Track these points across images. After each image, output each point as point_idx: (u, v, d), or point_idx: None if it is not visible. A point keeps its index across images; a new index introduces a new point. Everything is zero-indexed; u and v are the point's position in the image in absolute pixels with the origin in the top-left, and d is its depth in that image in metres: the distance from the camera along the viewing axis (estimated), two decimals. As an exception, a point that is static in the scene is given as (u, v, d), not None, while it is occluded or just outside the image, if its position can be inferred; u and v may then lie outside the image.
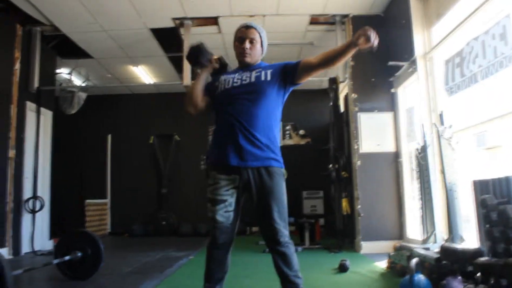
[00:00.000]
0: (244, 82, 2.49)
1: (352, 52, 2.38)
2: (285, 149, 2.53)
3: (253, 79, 2.48)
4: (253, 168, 2.40)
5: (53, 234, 6.79)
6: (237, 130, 2.40)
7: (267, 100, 2.47)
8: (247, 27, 2.57)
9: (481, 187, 3.12)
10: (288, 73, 2.53)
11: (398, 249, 3.94)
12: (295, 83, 2.57)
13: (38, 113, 6.46)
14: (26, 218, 6.15)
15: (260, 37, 2.59)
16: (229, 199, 2.43)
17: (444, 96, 4.53)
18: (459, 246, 3.19)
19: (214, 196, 2.43)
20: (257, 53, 2.58)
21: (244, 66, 2.59)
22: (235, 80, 2.50)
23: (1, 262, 2.46)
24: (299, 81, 2.56)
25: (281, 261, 2.41)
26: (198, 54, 2.50)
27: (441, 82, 4.58)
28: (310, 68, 2.51)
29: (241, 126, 2.40)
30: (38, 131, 6.45)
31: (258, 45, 2.58)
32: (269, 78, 2.48)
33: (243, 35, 2.56)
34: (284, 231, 2.41)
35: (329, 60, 2.47)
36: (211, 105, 2.59)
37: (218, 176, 2.44)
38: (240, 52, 2.56)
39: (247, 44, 2.53)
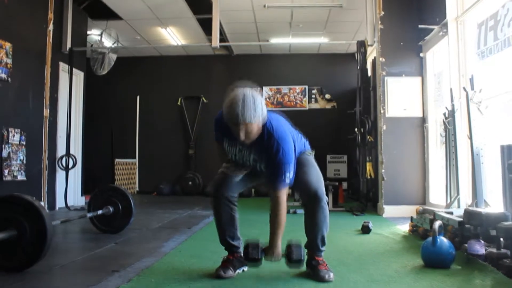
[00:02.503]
0: (246, 162, 2.50)
1: None
2: (310, 112, 2.59)
3: (252, 161, 2.48)
4: None
5: (85, 191, 7.07)
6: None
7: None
8: (238, 124, 2.21)
9: (509, 151, 3.12)
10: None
11: (421, 213, 3.98)
12: None
13: (70, 73, 6.61)
14: (60, 175, 6.42)
15: (258, 122, 2.26)
16: (242, 170, 2.56)
17: (475, 60, 4.45)
18: (483, 210, 3.22)
19: (228, 170, 2.56)
20: (256, 135, 2.31)
21: None
22: (238, 157, 2.50)
23: (42, 213, 2.62)
24: None
25: (313, 221, 2.49)
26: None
27: (473, 46, 4.49)
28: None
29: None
30: (70, 91, 6.62)
31: (256, 130, 2.28)
32: (263, 165, 2.45)
33: (236, 128, 2.25)
34: (323, 192, 2.48)
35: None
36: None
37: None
38: (237, 136, 2.28)
39: (243, 136, 2.26)
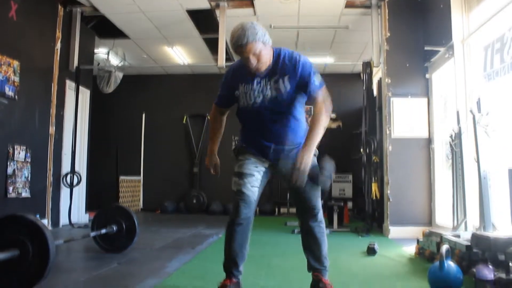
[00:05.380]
0: (266, 96, 2.42)
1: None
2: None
3: (274, 93, 2.41)
4: None
5: (89, 208, 7.05)
6: (264, 143, 2.49)
7: (293, 106, 2.48)
8: (242, 46, 2.28)
9: (516, 175, 3.09)
10: (303, 88, 2.44)
11: (427, 235, 3.93)
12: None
13: (77, 91, 6.66)
14: (65, 192, 6.41)
15: (262, 42, 2.32)
16: (256, 174, 2.48)
17: (481, 82, 4.44)
18: (491, 234, 3.17)
19: (242, 170, 2.48)
20: (266, 58, 2.36)
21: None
22: (256, 94, 2.44)
23: (45, 233, 2.60)
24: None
25: (314, 238, 2.51)
26: None
27: (479, 68, 4.49)
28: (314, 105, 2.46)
29: (267, 141, 2.48)
30: (76, 108, 6.66)
31: (264, 52, 2.34)
32: (288, 88, 2.41)
33: (244, 54, 2.31)
34: (319, 207, 2.51)
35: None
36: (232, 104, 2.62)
37: (248, 155, 2.52)
38: (247, 65, 2.35)
39: (253, 61, 2.32)
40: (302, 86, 2.41)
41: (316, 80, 2.41)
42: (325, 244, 2.54)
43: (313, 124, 2.37)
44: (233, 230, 2.46)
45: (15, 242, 2.56)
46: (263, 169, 2.53)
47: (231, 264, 2.49)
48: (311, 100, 2.46)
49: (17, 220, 2.65)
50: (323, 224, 2.55)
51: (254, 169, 2.49)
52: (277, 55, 2.43)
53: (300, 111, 2.55)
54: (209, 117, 2.66)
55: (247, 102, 2.46)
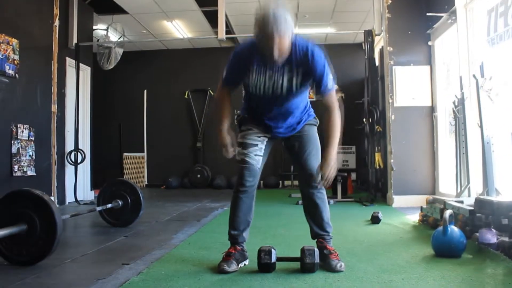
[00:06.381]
0: (277, 83, 2.38)
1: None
2: (317, 103, 2.57)
3: (285, 83, 2.38)
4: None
5: (94, 185, 7.11)
6: (270, 121, 2.52)
7: (300, 94, 2.50)
8: (270, 34, 2.15)
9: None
10: (316, 86, 2.43)
11: (431, 202, 3.95)
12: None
13: (77, 68, 6.62)
14: (69, 169, 6.46)
15: (289, 35, 2.21)
16: (259, 144, 2.53)
17: (484, 47, 4.39)
18: (495, 198, 3.18)
19: (246, 140, 2.53)
20: (287, 50, 2.27)
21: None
22: (267, 79, 2.39)
23: (51, 207, 2.63)
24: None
25: (315, 205, 2.55)
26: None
27: (482, 33, 4.43)
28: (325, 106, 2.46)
29: (273, 120, 2.52)
30: (78, 86, 6.64)
31: (288, 44, 2.24)
32: (300, 79, 2.38)
33: (269, 43, 2.18)
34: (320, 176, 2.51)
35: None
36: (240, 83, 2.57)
37: (251, 125, 2.56)
38: (270, 51, 2.21)
39: (276, 52, 2.20)
40: (315, 82, 2.42)
41: (329, 81, 2.39)
42: (326, 211, 2.58)
43: (331, 129, 2.42)
44: (238, 198, 2.53)
45: (23, 217, 2.60)
46: (266, 139, 2.57)
47: (235, 231, 2.54)
48: (322, 97, 2.45)
49: (24, 195, 2.69)
50: (324, 191, 2.58)
51: (257, 139, 2.53)
52: (299, 46, 2.34)
53: (306, 94, 2.59)
54: (215, 97, 2.59)
55: (257, 84, 2.41)
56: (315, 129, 2.63)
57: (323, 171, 2.40)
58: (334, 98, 2.44)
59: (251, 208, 2.58)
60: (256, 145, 2.52)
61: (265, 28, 2.16)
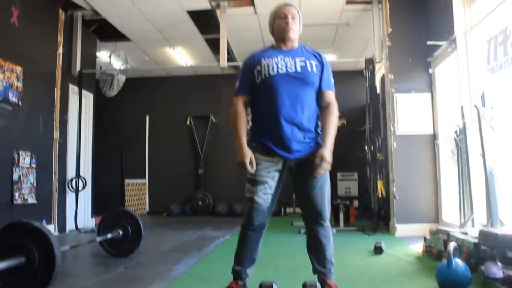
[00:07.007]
0: (290, 70, 2.44)
1: None
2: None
3: (298, 68, 2.45)
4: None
5: (95, 212, 7.06)
6: (283, 119, 2.40)
7: (313, 88, 2.48)
8: (288, 4, 2.57)
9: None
10: (320, 80, 2.53)
11: (434, 233, 3.91)
12: None
13: (80, 95, 6.66)
14: (70, 197, 6.42)
15: (299, 16, 2.59)
16: (269, 181, 2.44)
17: (485, 76, 4.41)
18: (499, 230, 3.14)
19: (255, 176, 2.44)
20: (298, 31, 2.57)
21: (284, 47, 2.56)
22: (280, 66, 2.44)
23: (50, 239, 2.60)
24: None
25: (319, 243, 2.48)
26: None
27: (482, 61, 4.45)
28: (320, 101, 2.54)
29: (287, 115, 2.40)
30: (80, 113, 6.66)
31: (298, 23, 2.57)
32: (314, 70, 2.47)
33: (285, 11, 2.54)
34: (328, 213, 2.49)
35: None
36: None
37: (260, 157, 2.45)
38: (284, 28, 2.52)
39: (291, 20, 2.52)
40: (321, 77, 2.51)
41: (332, 81, 2.57)
42: (330, 248, 2.51)
43: (329, 124, 2.48)
44: (245, 234, 2.50)
45: (21, 249, 2.57)
46: (277, 174, 2.47)
47: (239, 267, 2.51)
48: (323, 99, 2.52)
49: (22, 226, 2.66)
50: (330, 228, 2.52)
51: (267, 176, 2.44)
52: (301, 45, 2.61)
53: (315, 104, 2.54)
54: (232, 113, 2.57)
55: (269, 72, 2.44)
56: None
57: (317, 163, 2.37)
58: (334, 97, 2.55)
59: (258, 245, 2.53)
60: (266, 182, 2.43)
61: (281, 6, 2.57)
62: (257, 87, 2.49)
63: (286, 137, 2.40)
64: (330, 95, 2.53)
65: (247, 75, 2.53)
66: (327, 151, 2.38)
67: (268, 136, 2.44)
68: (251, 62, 2.54)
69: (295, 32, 2.53)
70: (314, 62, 2.49)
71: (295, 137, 2.41)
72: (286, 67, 2.45)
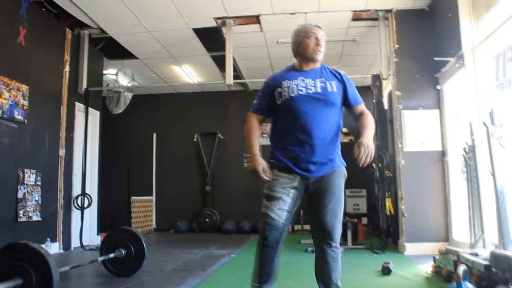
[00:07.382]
0: (310, 91, 2.46)
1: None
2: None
3: (319, 89, 2.46)
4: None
5: (101, 229, 7.02)
6: (303, 139, 2.41)
7: (334, 108, 2.48)
8: (318, 26, 2.60)
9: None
10: (346, 100, 2.57)
11: (443, 253, 3.80)
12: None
13: (86, 113, 6.68)
14: (76, 214, 6.39)
15: (324, 33, 2.65)
16: (285, 197, 2.42)
17: (493, 92, 4.33)
18: (511, 252, 3.04)
19: (270, 191, 2.43)
20: (322, 55, 2.60)
21: (306, 67, 2.59)
22: (300, 88, 2.47)
23: (48, 261, 2.55)
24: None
25: (326, 264, 2.42)
26: None
27: (491, 77, 4.38)
28: (353, 114, 2.61)
29: (307, 135, 2.40)
30: (86, 130, 6.67)
31: (323, 41, 2.61)
32: (335, 89, 2.49)
33: (316, 33, 2.57)
34: (338, 234, 2.44)
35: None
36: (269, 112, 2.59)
37: (278, 173, 2.45)
38: (314, 49, 2.55)
39: (321, 45, 2.56)
40: (347, 95, 2.55)
41: (357, 93, 2.62)
42: (337, 270, 2.43)
43: (366, 120, 2.50)
44: (260, 250, 2.47)
45: (19, 271, 2.53)
46: (293, 190, 2.44)
47: (255, 283, 2.46)
48: (355, 112, 2.59)
49: (20, 248, 2.62)
50: (339, 250, 2.45)
51: (282, 192, 2.43)
52: (322, 65, 2.63)
53: (339, 125, 2.54)
54: (245, 126, 2.57)
55: (289, 94, 2.47)
56: (343, 181, 2.52)
57: (359, 150, 2.32)
58: (365, 107, 2.60)
59: (273, 261, 2.46)
60: (280, 198, 2.41)
61: (311, 27, 2.58)
62: (277, 107, 2.52)
63: (306, 158, 2.41)
64: (361, 107, 2.59)
65: (267, 96, 2.58)
66: (366, 138, 2.36)
67: (288, 155, 2.45)
68: (272, 83, 2.58)
69: (322, 55, 2.58)
70: (334, 83, 2.52)
71: (314, 157, 2.41)
72: (306, 88, 2.47)
